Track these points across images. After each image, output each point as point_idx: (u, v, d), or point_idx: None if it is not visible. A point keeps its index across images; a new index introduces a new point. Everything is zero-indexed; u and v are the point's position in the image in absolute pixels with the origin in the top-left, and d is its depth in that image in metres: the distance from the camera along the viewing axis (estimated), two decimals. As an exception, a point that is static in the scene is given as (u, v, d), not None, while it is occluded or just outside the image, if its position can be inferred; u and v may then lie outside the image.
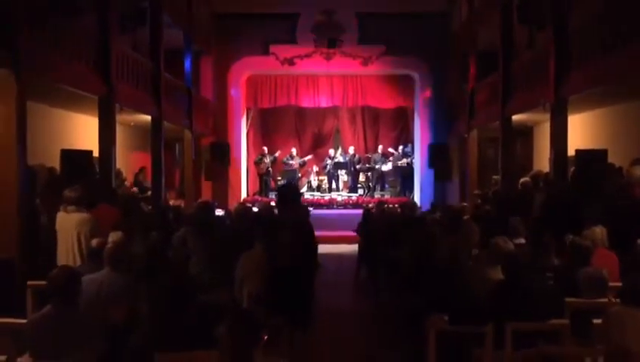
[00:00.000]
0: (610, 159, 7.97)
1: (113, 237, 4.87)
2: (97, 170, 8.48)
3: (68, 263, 5.32)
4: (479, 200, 9.86)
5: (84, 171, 7.86)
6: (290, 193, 5.27)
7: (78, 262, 5.37)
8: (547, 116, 8.84)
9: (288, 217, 5.05)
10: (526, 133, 13.33)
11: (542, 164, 11.30)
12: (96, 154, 8.53)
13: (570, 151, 8.43)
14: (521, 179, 8.66)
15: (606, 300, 4.24)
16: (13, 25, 5.84)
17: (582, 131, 10.23)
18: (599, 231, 5.54)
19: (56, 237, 5.62)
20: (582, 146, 8.91)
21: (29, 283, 5.06)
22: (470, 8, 12.78)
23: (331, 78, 15.64)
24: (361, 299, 8.39)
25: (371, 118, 17.64)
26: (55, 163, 7.99)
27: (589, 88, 7.70)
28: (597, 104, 9.50)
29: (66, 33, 7.21)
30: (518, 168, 11.38)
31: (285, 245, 4.77)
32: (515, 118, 10.44)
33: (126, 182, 9.93)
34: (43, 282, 4.63)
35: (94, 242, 5.00)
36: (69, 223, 5.53)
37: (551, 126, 8.60)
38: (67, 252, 5.49)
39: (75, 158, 8.13)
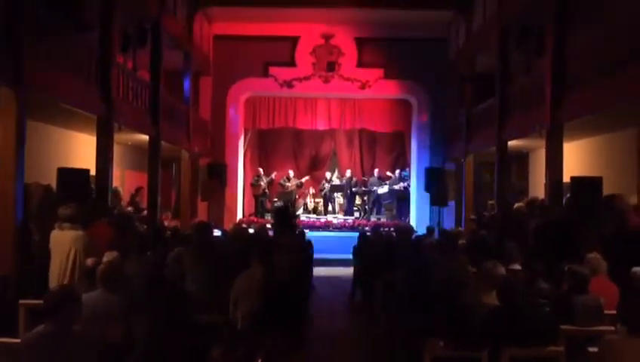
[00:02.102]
0: (605, 187, 8.00)
1: (108, 256, 4.85)
2: (94, 188, 8.46)
3: (60, 281, 5.28)
4: (475, 226, 9.87)
5: (80, 190, 7.84)
6: (286, 216, 5.31)
7: (71, 280, 5.33)
8: (543, 142, 8.91)
9: (285, 239, 5.06)
10: (522, 158, 13.40)
11: (537, 190, 11.35)
12: (93, 172, 8.53)
13: (566, 178, 8.47)
14: (515, 205, 8.70)
15: (602, 328, 4.24)
16: (16, 43, 5.89)
17: (577, 158, 10.30)
18: (596, 258, 5.54)
19: (49, 255, 5.59)
20: (577, 173, 8.95)
21: (21, 301, 5.03)
22: (468, 34, 12.95)
23: (329, 100, 15.75)
24: (355, 323, 8.34)
25: (368, 142, 17.72)
26: (52, 181, 7.97)
27: (585, 115, 7.78)
28: (592, 132, 9.58)
29: (67, 52, 7.27)
30: (514, 193, 11.42)
31: (282, 265, 4.77)
32: (511, 143, 10.51)
33: (122, 202, 9.90)
34: (35, 301, 4.62)
35: (89, 261, 4.98)
36: (63, 241, 5.50)
37: (546, 152, 8.66)
38: (60, 270, 5.44)
39: (71, 177, 8.11)
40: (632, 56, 6.48)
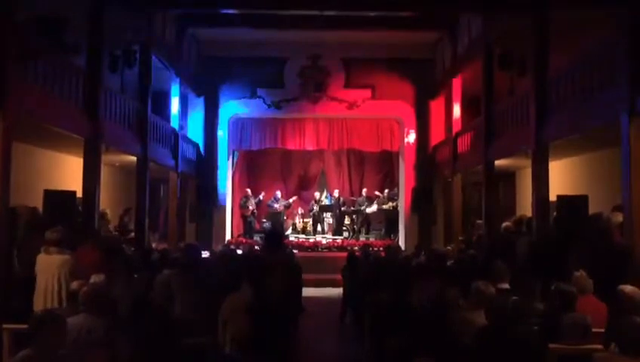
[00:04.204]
0: (591, 205, 8.09)
1: (95, 279, 4.80)
2: (81, 210, 8.40)
3: (47, 305, 5.22)
4: (463, 245, 9.90)
5: (67, 212, 7.79)
6: (277, 237, 5.31)
7: (57, 304, 5.27)
8: (529, 161, 9.00)
9: (276, 259, 5.05)
10: (509, 177, 13.51)
11: (525, 208, 11.42)
12: (80, 194, 8.47)
13: (552, 197, 8.55)
14: (504, 224, 8.74)
15: (590, 346, 4.25)
16: (2, 66, 5.88)
17: (563, 177, 10.40)
18: (582, 277, 5.57)
19: (34, 279, 5.52)
20: (563, 192, 9.04)
21: (5, 326, 4.95)
22: (453, 55, 13.12)
23: (317, 121, 15.81)
24: (346, 344, 8.28)
25: (357, 161, 17.80)
26: (38, 203, 7.92)
27: (569, 135, 7.89)
28: (577, 150, 9.70)
29: (55, 73, 7.27)
30: (502, 212, 11.48)
31: (274, 287, 4.75)
32: (497, 162, 10.60)
33: (110, 225, 9.82)
34: (20, 325, 4.55)
35: (74, 284, 4.92)
36: (50, 265, 5.45)
37: (532, 171, 8.75)
38: (46, 294, 5.39)
39: (58, 199, 8.06)
40: (606, 80, 6.65)
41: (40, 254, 5.54)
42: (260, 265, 5.41)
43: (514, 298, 5.00)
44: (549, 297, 4.97)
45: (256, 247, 10.69)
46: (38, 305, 5.34)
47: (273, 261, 5.12)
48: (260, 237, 14.65)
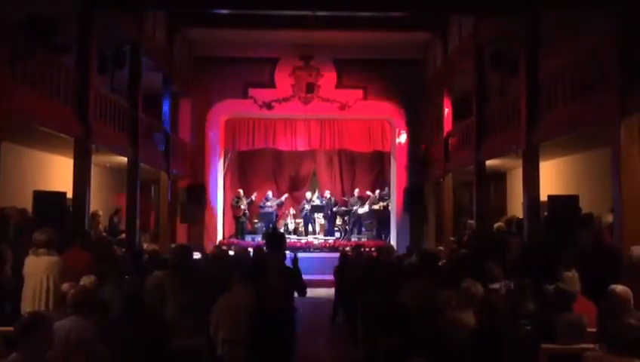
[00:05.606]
0: (581, 205, 8.14)
1: (85, 281, 4.76)
2: (71, 211, 8.33)
3: (35, 308, 5.15)
4: (455, 245, 9.92)
5: (56, 213, 7.72)
6: (279, 239, 5.32)
7: (46, 307, 5.21)
8: (520, 162, 9.03)
9: (275, 261, 5.05)
10: (499, 177, 13.56)
11: (515, 208, 11.47)
12: (70, 195, 8.41)
13: (543, 197, 8.59)
14: (496, 224, 8.77)
15: (583, 346, 4.26)
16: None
17: (554, 177, 10.45)
18: (572, 276, 5.60)
19: (23, 281, 5.45)
20: (554, 192, 9.08)
21: (-6, 329, 4.89)
22: (444, 56, 13.16)
23: (309, 121, 15.77)
24: (338, 345, 8.27)
25: (348, 162, 17.80)
26: (27, 205, 7.85)
27: (559, 135, 7.92)
28: (568, 151, 9.75)
29: (44, 73, 7.21)
30: (493, 212, 11.52)
31: (273, 288, 4.75)
32: (488, 162, 10.63)
33: (100, 225, 9.76)
34: (8, 328, 4.49)
35: (65, 286, 4.87)
36: (38, 267, 5.37)
37: (523, 172, 8.78)
38: (35, 296, 5.31)
39: (47, 200, 7.99)
40: (596, 81, 6.69)
41: (28, 256, 5.47)
42: (257, 265, 5.41)
43: (502, 296, 5.01)
44: (540, 297, 4.99)
45: (249, 249, 10.64)
46: (26, 307, 5.27)
47: (270, 261, 5.11)
48: (253, 238, 14.66)
